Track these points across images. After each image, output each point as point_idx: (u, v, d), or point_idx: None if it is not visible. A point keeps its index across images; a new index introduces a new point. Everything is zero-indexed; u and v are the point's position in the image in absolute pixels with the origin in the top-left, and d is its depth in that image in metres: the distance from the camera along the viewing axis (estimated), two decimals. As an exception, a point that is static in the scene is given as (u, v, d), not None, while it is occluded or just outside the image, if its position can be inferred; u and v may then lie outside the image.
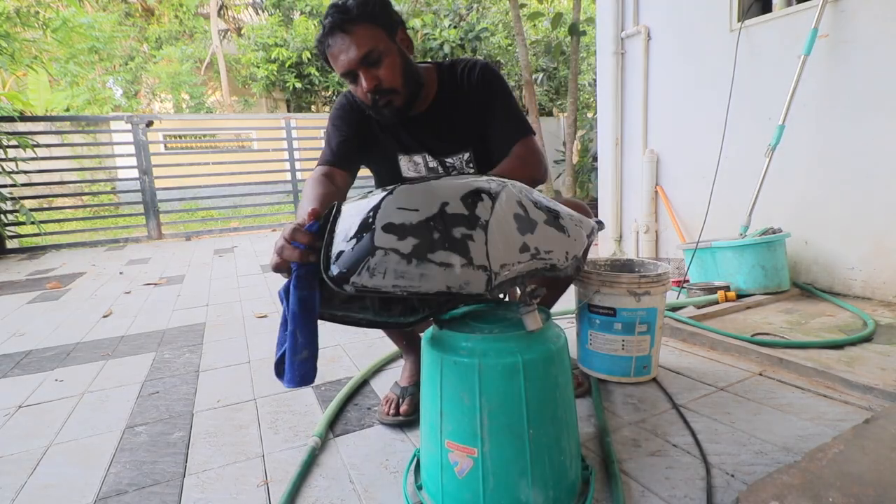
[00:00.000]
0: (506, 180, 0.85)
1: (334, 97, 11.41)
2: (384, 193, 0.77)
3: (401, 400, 1.26)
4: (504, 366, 0.81)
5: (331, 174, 1.15)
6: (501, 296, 1.04)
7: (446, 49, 7.50)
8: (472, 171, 1.25)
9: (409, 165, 1.26)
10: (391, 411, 1.24)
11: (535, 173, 1.11)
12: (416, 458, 1.04)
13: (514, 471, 0.83)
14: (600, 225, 0.98)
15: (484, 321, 0.92)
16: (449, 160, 1.24)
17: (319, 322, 0.76)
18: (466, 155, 1.23)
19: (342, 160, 1.17)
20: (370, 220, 0.73)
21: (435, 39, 7.41)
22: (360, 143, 1.21)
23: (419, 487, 0.96)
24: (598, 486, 0.95)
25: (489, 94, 1.18)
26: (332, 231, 0.75)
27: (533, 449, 0.83)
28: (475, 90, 1.17)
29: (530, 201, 0.84)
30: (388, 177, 1.29)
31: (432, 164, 1.24)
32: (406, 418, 1.23)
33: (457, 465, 0.85)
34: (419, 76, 1.14)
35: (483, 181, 0.82)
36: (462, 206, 0.76)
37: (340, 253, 0.72)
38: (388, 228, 0.72)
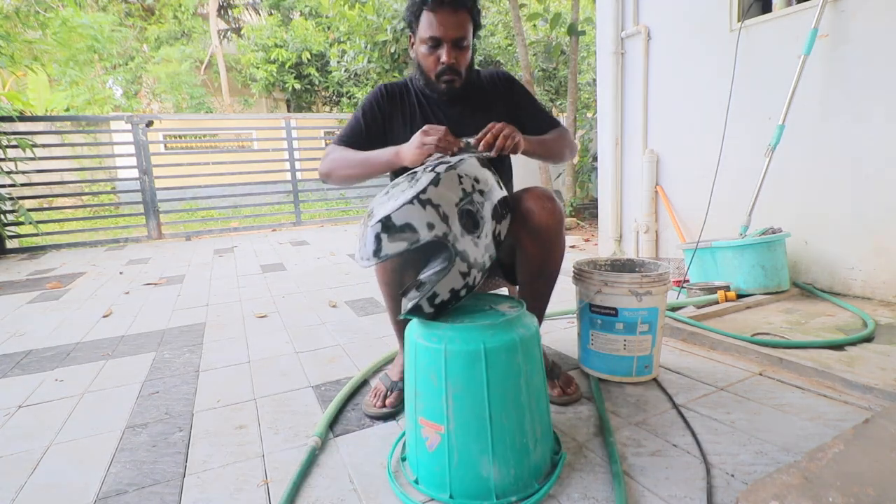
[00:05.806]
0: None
1: (334, 97, 11.40)
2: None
3: (389, 392, 1.30)
4: (467, 352, 0.89)
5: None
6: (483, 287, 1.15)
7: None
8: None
9: None
10: (378, 403, 1.28)
11: (564, 150, 1.37)
12: (404, 434, 1.13)
13: (476, 449, 0.90)
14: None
15: (463, 314, 0.98)
16: (469, 140, 1.39)
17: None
18: None
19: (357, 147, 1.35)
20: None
21: (435, 39, 7.37)
22: (378, 135, 1.37)
23: (403, 459, 1.06)
24: (599, 486, 0.96)
25: (513, 92, 1.40)
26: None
27: (494, 430, 0.89)
28: (500, 87, 1.40)
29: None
30: None
31: None
32: (391, 410, 1.27)
33: (427, 439, 0.93)
34: (472, 72, 1.37)
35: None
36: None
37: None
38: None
